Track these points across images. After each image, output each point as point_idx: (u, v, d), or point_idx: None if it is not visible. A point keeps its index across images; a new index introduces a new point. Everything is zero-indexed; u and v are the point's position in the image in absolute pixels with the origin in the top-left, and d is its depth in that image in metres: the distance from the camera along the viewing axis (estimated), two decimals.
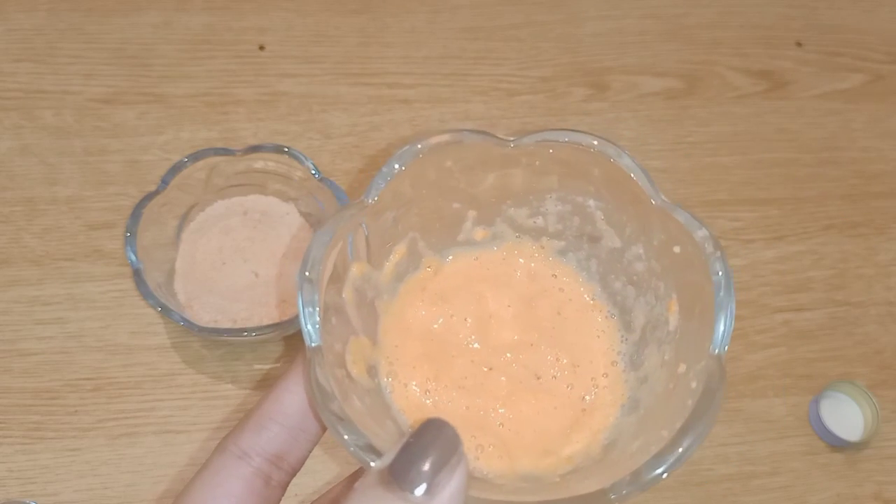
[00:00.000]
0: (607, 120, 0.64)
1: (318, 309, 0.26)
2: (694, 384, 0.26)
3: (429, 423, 0.23)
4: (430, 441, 0.22)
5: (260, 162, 0.53)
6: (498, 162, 0.30)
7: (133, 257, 0.48)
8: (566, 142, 0.29)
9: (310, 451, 0.28)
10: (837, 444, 0.55)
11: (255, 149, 0.52)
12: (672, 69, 0.67)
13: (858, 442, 0.54)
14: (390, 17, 0.66)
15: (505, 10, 0.68)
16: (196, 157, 0.51)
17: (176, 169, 0.51)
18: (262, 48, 0.64)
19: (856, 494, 0.55)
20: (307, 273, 0.26)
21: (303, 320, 0.26)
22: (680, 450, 0.24)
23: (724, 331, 0.27)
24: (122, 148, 0.58)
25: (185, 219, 0.54)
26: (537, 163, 0.30)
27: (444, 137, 0.29)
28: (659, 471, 0.24)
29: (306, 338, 0.26)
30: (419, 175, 0.29)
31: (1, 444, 0.50)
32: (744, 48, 0.69)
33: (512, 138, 0.29)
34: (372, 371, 0.29)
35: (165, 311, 0.47)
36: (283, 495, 0.28)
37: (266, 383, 0.53)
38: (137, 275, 0.48)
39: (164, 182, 0.50)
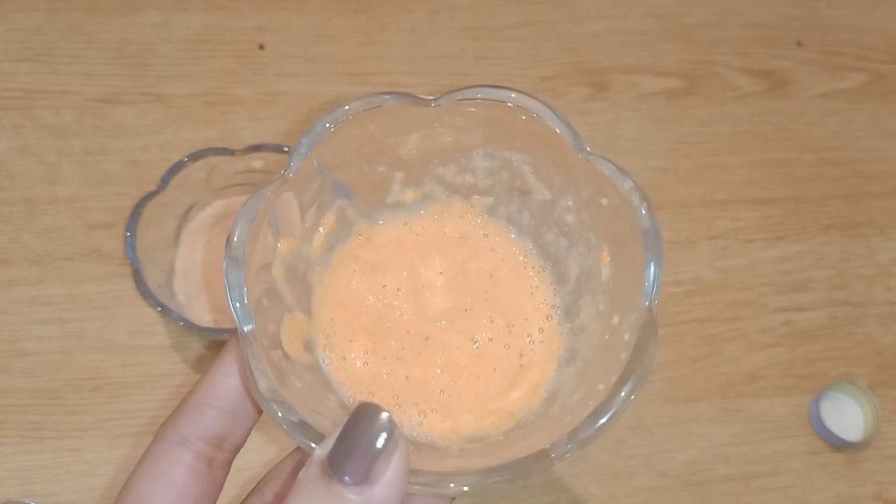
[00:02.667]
0: (608, 120, 0.64)
1: (245, 289, 0.26)
2: (627, 336, 0.27)
3: (361, 410, 0.23)
4: (364, 429, 0.22)
5: (259, 161, 0.53)
6: (421, 122, 0.30)
7: (133, 257, 0.48)
8: (484, 99, 0.29)
9: (251, 429, 0.28)
10: (838, 444, 0.55)
11: (254, 148, 0.52)
12: (672, 69, 0.67)
13: (859, 442, 0.54)
14: (390, 16, 0.66)
15: (505, 10, 0.68)
16: (196, 156, 0.51)
17: (175, 168, 0.51)
18: (261, 48, 0.64)
19: (856, 494, 0.55)
20: (232, 254, 0.26)
21: (231, 302, 0.25)
22: (614, 406, 0.25)
23: (652, 282, 0.27)
24: (122, 147, 0.58)
25: (184, 218, 0.54)
26: (460, 121, 0.30)
27: (360, 105, 0.28)
28: (596, 427, 0.25)
29: (237, 321, 0.25)
30: (340, 144, 0.29)
31: (1, 444, 0.50)
32: (744, 48, 0.69)
33: (432, 97, 0.29)
34: (309, 346, 0.29)
35: (165, 311, 0.47)
36: (228, 472, 0.28)
37: None
38: (137, 275, 0.48)
39: (164, 182, 0.50)
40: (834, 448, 0.55)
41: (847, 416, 0.55)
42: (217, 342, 0.53)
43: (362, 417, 0.23)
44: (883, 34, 0.71)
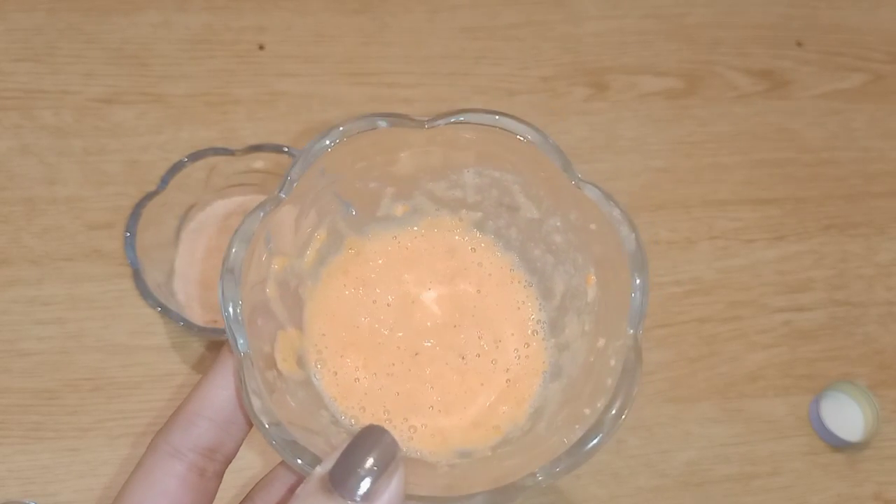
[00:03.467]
0: (608, 120, 0.64)
1: (240, 308, 0.26)
2: (613, 362, 0.27)
3: (367, 431, 0.24)
4: (369, 448, 0.23)
5: (259, 161, 0.53)
6: (413, 142, 0.30)
7: (133, 257, 0.48)
8: (478, 123, 0.29)
9: (243, 440, 0.28)
10: (838, 445, 0.55)
11: (254, 148, 0.52)
12: (672, 69, 0.67)
13: (859, 442, 0.54)
14: (390, 16, 0.66)
15: (505, 10, 0.68)
16: (195, 156, 0.51)
17: (175, 169, 0.51)
18: (261, 48, 0.64)
19: (856, 495, 0.55)
20: (229, 272, 0.26)
21: (227, 321, 0.26)
22: (601, 431, 0.26)
23: (637, 311, 0.27)
24: (122, 148, 0.58)
25: (184, 218, 0.54)
26: (453, 141, 0.30)
27: (355, 127, 0.28)
28: (583, 452, 0.25)
29: (232, 342, 0.26)
30: (333, 162, 0.29)
31: (1, 444, 0.50)
32: (744, 48, 0.69)
33: (426, 119, 0.29)
34: (301, 361, 0.29)
35: (165, 311, 0.47)
36: (220, 482, 0.28)
37: None
38: (137, 275, 0.48)
39: (164, 182, 0.50)
40: (834, 448, 0.55)
41: (847, 416, 0.55)
42: (217, 342, 0.53)
43: (368, 436, 0.24)
44: (883, 34, 0.71)
